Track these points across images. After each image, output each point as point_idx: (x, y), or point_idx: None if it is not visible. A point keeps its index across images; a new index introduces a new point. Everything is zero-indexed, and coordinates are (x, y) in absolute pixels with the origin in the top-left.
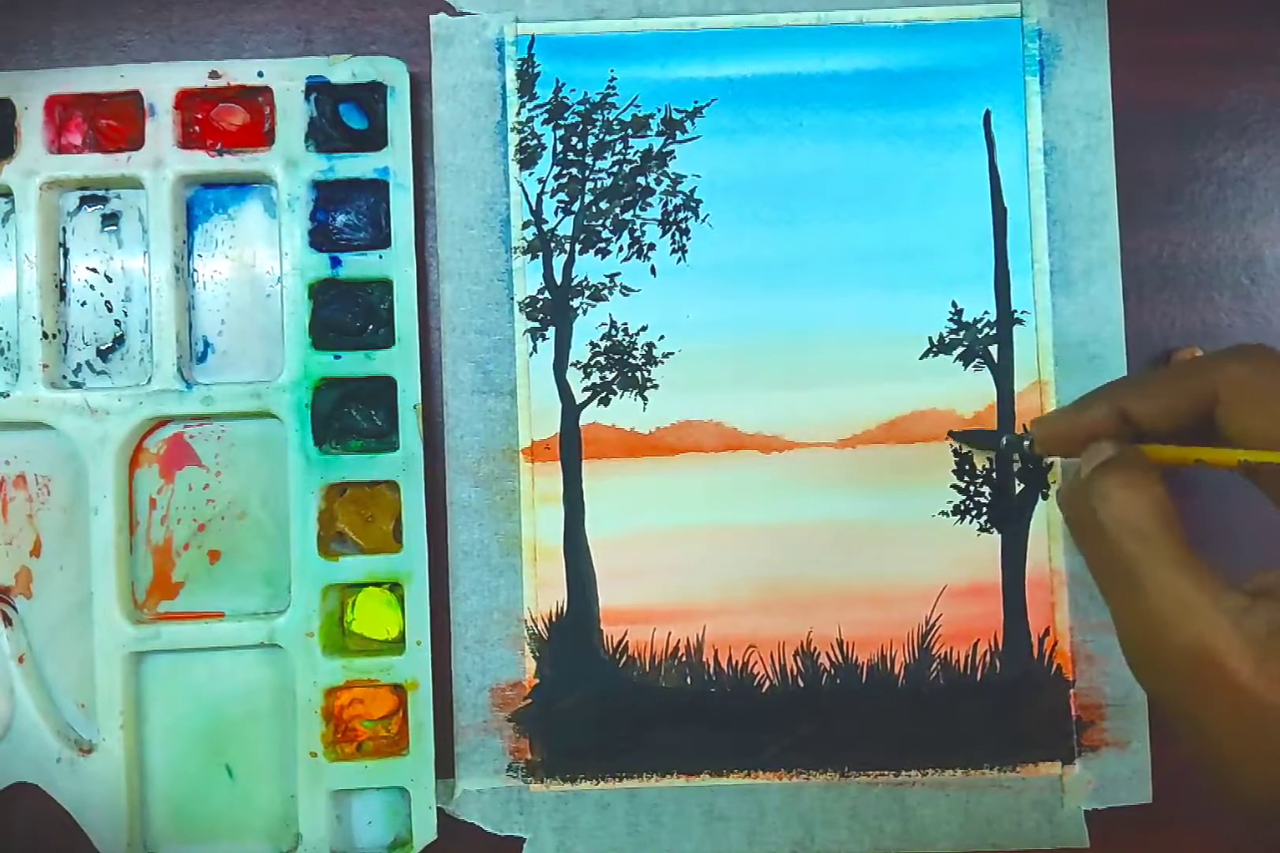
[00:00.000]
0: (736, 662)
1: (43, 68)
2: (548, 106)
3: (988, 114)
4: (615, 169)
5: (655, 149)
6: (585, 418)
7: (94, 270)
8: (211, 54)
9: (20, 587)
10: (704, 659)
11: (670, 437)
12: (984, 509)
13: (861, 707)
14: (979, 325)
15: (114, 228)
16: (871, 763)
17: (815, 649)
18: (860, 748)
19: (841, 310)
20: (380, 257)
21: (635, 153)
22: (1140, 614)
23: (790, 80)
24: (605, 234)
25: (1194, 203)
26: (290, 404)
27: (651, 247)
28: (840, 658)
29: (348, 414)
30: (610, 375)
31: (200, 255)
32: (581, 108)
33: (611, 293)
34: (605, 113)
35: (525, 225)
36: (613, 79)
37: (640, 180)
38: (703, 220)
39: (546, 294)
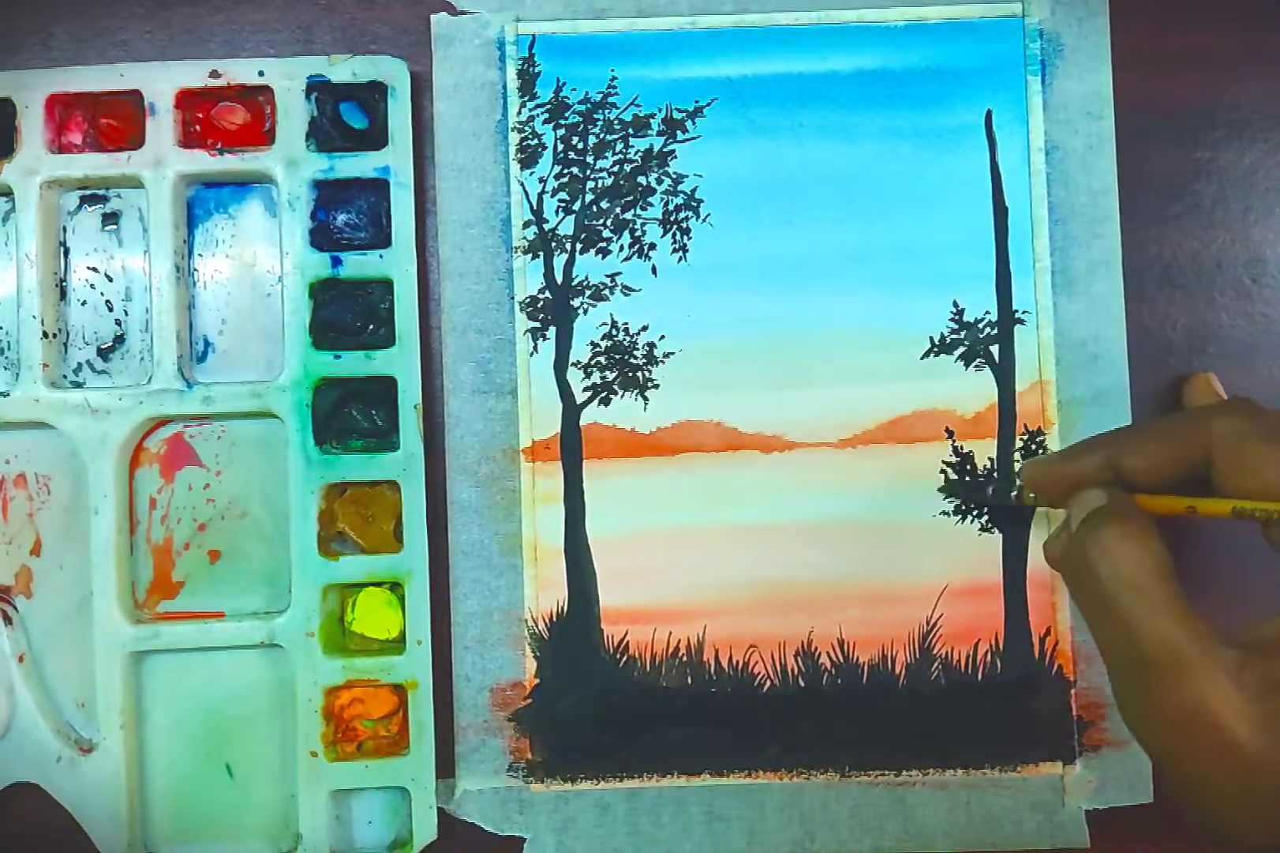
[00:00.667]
0: (737, 662)
1: (43, 67)
2: (548, 106)
3: (989, 114)
4: (616, 169)
5: (656, 149)
6: (586, 418)
7: (94, 270)
8: (212, 53)
9: (20, 586)
10: (704, 659)
11: (671, 437)
12: (985, 509)
13: (862, 707)
14: (980, 325)
15: (114, 227)
16: (872, 763)
17: (816, 649)
18: (860, 748)
19: (842, 310)
20: (381, 256)
21: (636, 152)
22: (1136, 667)
23: (791, 80)
24: (606, 234)
25: (1195, 203)
26: (290, 404)
27: (652, 246)
28: (841, 658)
29: (348, 414)
30: (611, 375)
31: (200, 255)
32: (582, 107)
33: (612, 293)
34: (606, 112)
35: (526, 225)
36: (613, 79)
37: (641, 180)
38: (703, 220)
39: (547, 294)
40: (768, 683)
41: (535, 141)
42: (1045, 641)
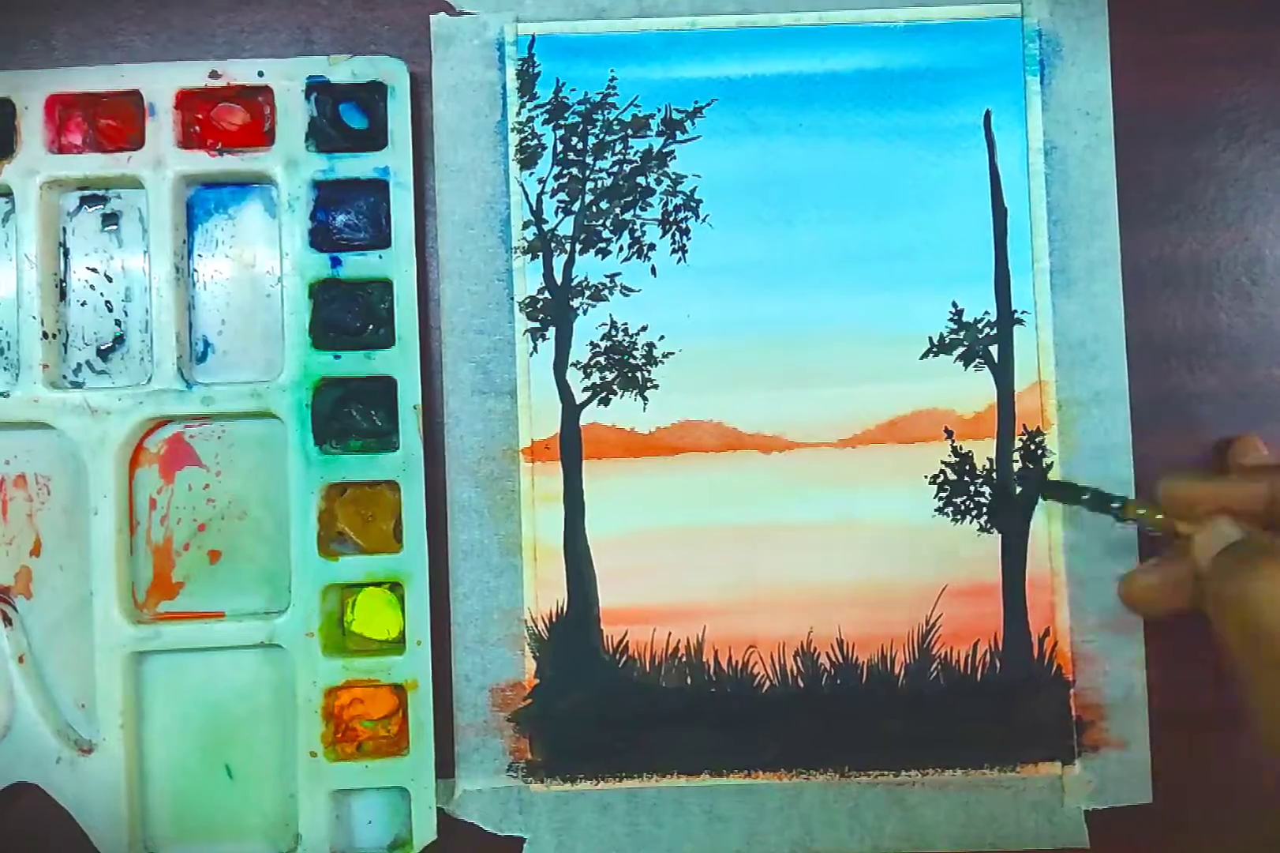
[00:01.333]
0: (736, 662)
1: (43, 68)
2: (548, 106)
3: (988, 114)
4: (615, 169)
5: (655, 149)
6: (585, 418)
7: (94, 270)
8: (211, 54)
9: (20, 587)
10: (704, 659)
11: (670, 437)
12: (984, 509)
13: (861, 707)
14: (979, 325)
15: (114, 228)
16: (871, 763)
17: (815, 649)
18: (860, 748)
19: (842, 310)
20: (380, 256)
21: (635, 153)
22: None
23: (790, 80)
24: (605, 234)
25: (1194, 203)
26: (290, 404)
27: (652, 246)
28: (840, 658)
29: (348, 414)
30: (610, 375)
31: (200, 255)
32: (582, 108)
33: (612, 293)
34: (605, 113)
35: (525, 225)
36: (613, 79)
37: (640, 180)
38: (703, 220)
39: (547, 294)
40: (767, 683)
41: (535, 142)
42: (1044, 641)
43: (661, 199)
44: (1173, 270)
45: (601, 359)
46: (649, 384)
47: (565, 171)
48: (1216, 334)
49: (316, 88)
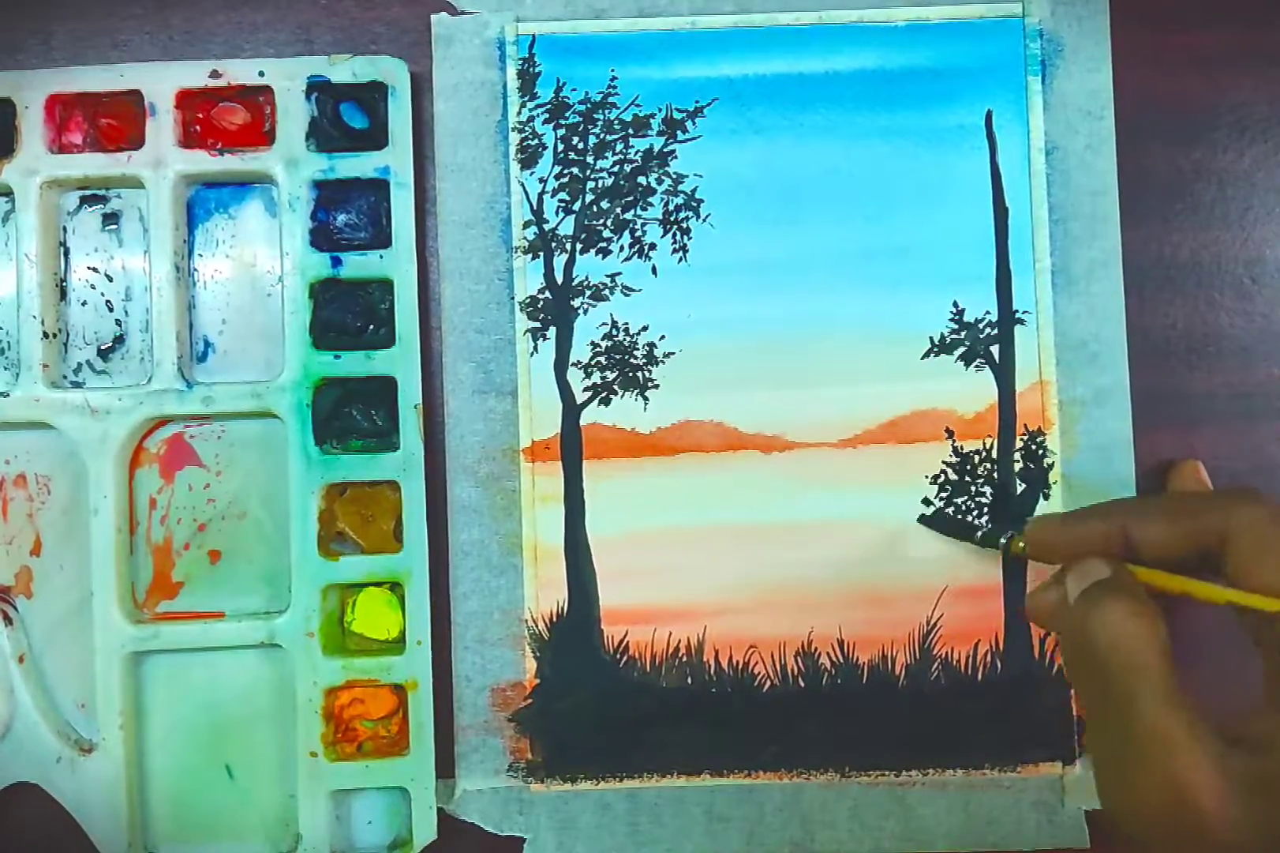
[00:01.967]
0: (737, 662)
1: (43, 67)
2: (548, 106)
3: (989, 114)
4: (616, 169)
5: (656, 149)
6: (586, 418)
7: (94, 270)
8: (212, 53)
9: (20, 587)
10: (704, 659)
11: (671, 437)
12: (984, 509)
13: (862, 707)
14: (980, 325)
15: (114, 227)
16: (872, 763)
17: (816, 649)
18: (860, 748)
19: (842, 310)
20: (381, 256)
21: (636, 152)
22: (1122, 744)
23: (791, 80)
24: (606, 234)
25: (1195, 203)
26: (290, 404)
27: (652, 246)
28: (841, 658)
29: (348, 414)
30: (611, 375)
31: (201, 255)
32: (582, 107)
33: (612, 293)
34: (606, 112)
35: (526, 225)
36: (613, 79)
37: (641, 180)
38: (704, 220)
39: (547, 294)
40: (768, 683)
41: (535, 141)
42: (1045, 641)
43: (662, 199)
44: (1173, 270)
45: (602, 359)
46: (649, 384)
47: (566, 171)
48: (1216, 334)
49: (317, 87)
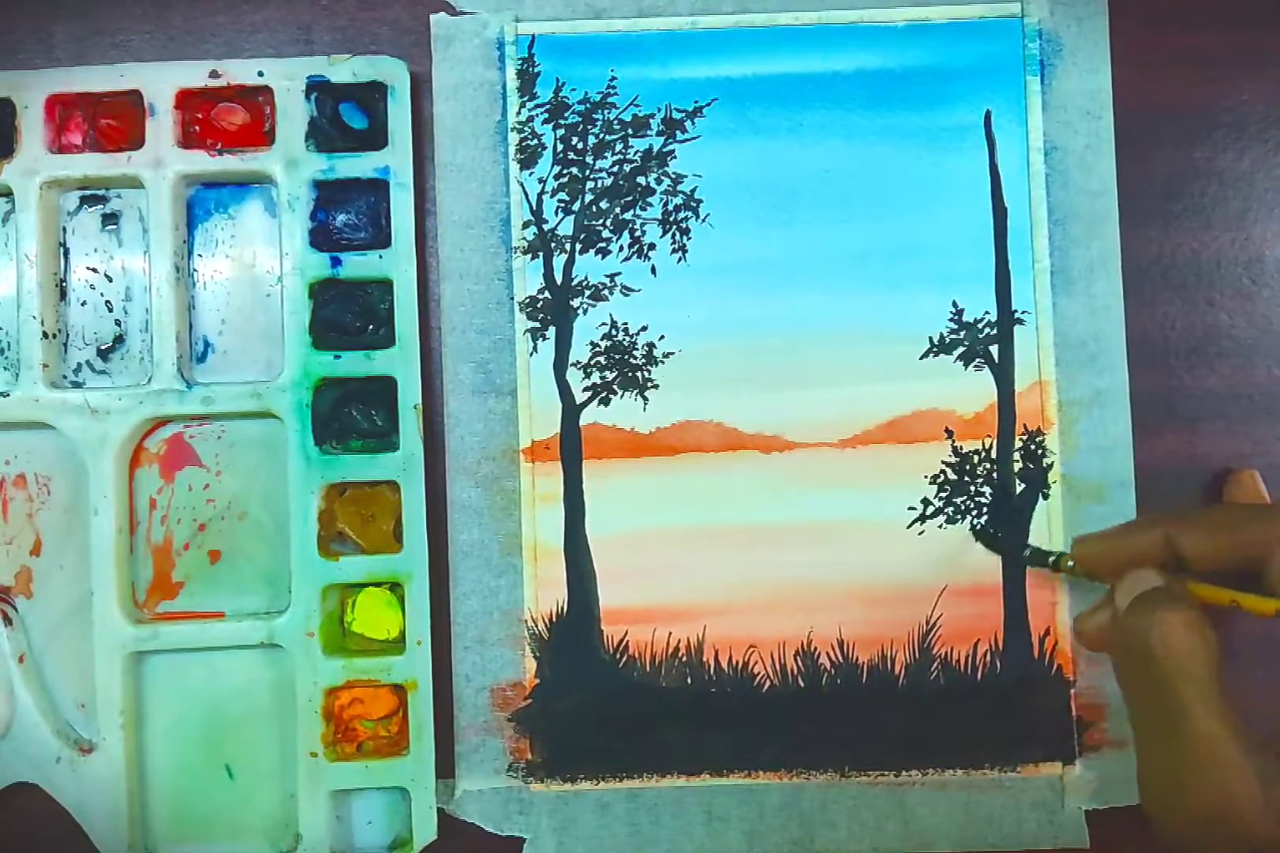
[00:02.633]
0: (737, 662)
1: (43, 67)
2: (548, 106)
3: (988, 114)
4: (615, 169)
5: (655, 149)
6: (585, 418)
7: (94, 270)
8: (211, 54)
9: (20, 587)
10: (704, 659)
11: (670, 437)
12: (984, 509)
13: (862, 707)
14: (979, 325)
15: (114, 227)
16: (871, 763)
17: (815, 649)
18: (860, 748)
19: (842, 310)
20: (380, 256)
21: (635, 152)
22: (1172, 753)
23: (790, 80)
24: (605, 234)
25: (1194, 203)
26: (290, 404)
27: (652, 246)
28: (840, 658)
29: (348, 414)
30: (610, 375)
31: (200, 255)
32: (582, 107)
33: (612, 293)
34: (605, 112)
35: (525, 225)
36: (613, 79)
37: (640, 180)
38: (703, 220)
39: (547, 294)
40: (768, 683)
41: (535, 142)
42: (1045, 641)
43: (661, 199)
44: (1173, 270)
45: (601, 359)
46: (649, 384)
47: (565, 171)
48: (1216, 334)
49: (316, 88)
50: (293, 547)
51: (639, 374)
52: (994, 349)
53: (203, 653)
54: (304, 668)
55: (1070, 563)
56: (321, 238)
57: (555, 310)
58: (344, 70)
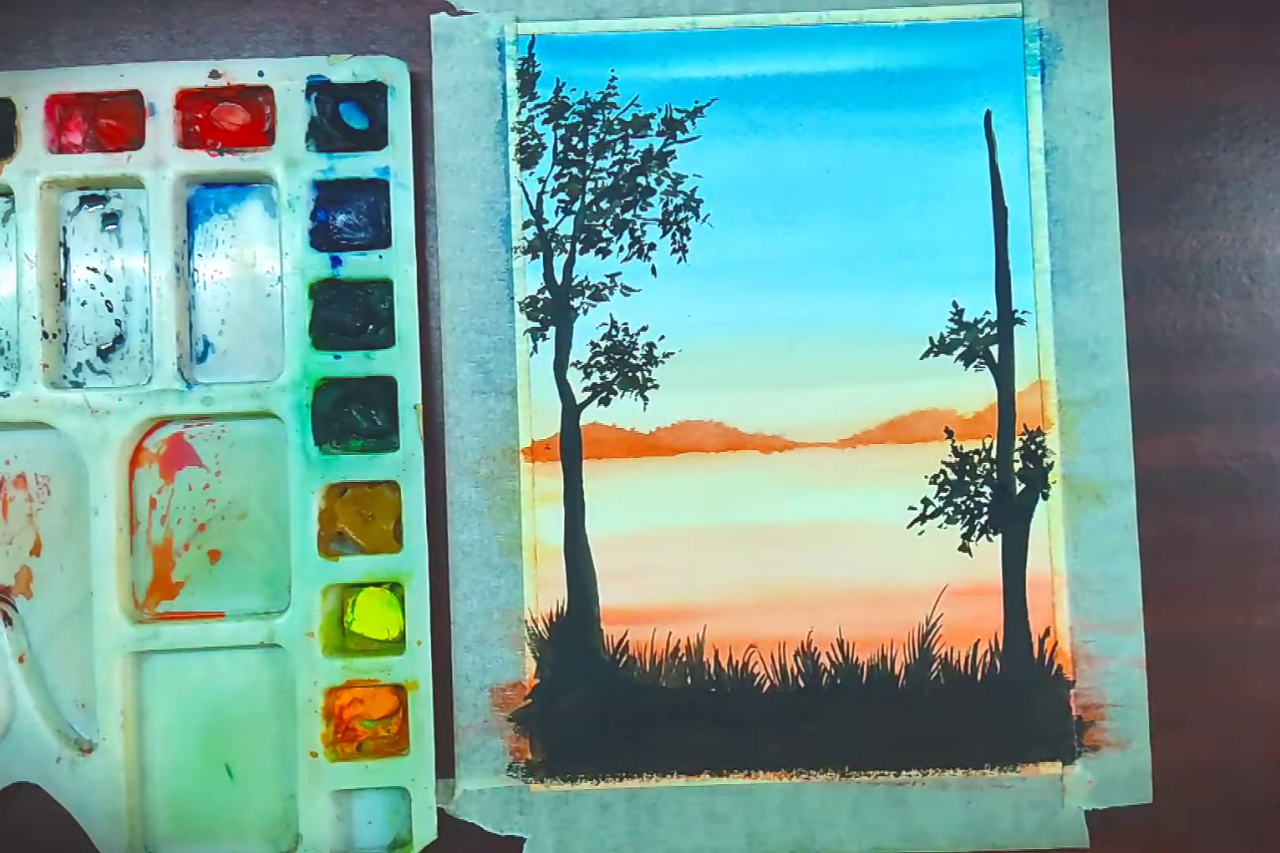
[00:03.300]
0: (737, 662)
1: (43, 67)
2: (548, 106)
3: (988, 114)
4: (616, 169)
5: (656, 149)
6: (585, 418)
7: (94, 270)
8: (211, 54)
9: (20, 587)
10: (704, 659)
11: (670, 437)
12: (984, 509)
13: (862, 707)
14: (980, 325)
15: (114, 227)
16: (872, 763)
17: (815, 649)
18: (860, 748)
19: (842, 310)
20: (380, 256)
21: (636, 153)
22: None
23: (790, 80)
24: (606, 234)
25: (1194, 203)
26: (290, 404)
27: (652, 246)
28: (840, 658)
29: (348, 414)
30: (610, 375)
31: (200, 255)
32: (582, 107)
33: (612, 293)
34: (606, 112)
35: (526, 225)
36: (613, 79)
37: (641, 180)
38: (703, 220)
39: (547, 294)
40: (768, 683)
41: (535, 142)
42: (1044, 641)
43: (662, 199)
44: (1173, 270)
45: (601, 359)
46: (649, 384)
47: (565, 171)
48: (1216, 334)
49: (316, 88)
50: (293, 547)
51: (639, 374)
52: (994, 349)
53: (203, 653)
54: (304, 668)
55: None
56: (321, 238)
57: (555, 310)
58: (344, 70)
